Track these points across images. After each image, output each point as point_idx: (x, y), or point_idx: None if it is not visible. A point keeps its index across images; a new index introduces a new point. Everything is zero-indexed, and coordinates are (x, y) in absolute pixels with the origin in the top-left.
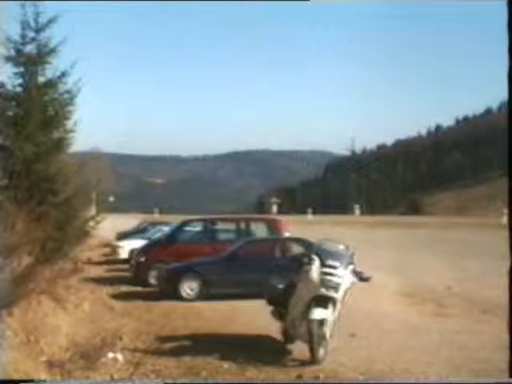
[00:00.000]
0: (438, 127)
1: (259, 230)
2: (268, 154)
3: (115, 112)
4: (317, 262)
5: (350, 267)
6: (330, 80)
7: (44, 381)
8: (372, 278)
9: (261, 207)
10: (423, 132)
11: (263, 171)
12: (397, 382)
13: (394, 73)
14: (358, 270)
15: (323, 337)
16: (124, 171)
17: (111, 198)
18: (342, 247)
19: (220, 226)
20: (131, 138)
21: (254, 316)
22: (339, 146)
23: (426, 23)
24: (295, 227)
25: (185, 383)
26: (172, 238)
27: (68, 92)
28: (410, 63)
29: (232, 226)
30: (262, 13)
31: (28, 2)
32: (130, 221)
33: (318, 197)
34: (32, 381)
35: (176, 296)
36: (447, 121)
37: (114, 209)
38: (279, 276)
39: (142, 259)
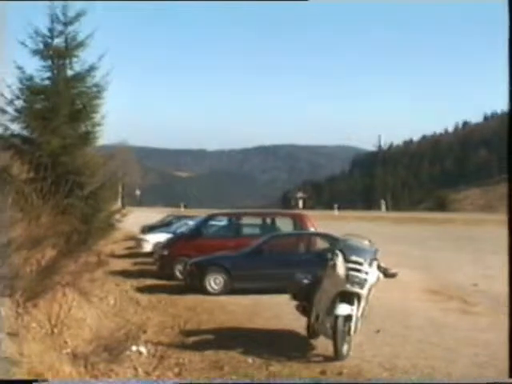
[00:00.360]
0: (465, 123)
1: (285, 225)
2: (294, 148)
3: (143, 106)
4: (341, 258)
5: (375, 263)
6: (354, 75)
7: (44, 380)
8: (397, 275)
9: (287, 202)
10: (450, 128)
11: (289, 166)
12: (397, 382)
13: (421, 68)
14: (384, 266)
15: (348, 333)
16: (150, 165)
17: (137, 192)
18: (366, 243)
19: (245, 220)
20: (158, 132)
21: (278, 311)
22: (365, 141)
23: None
24: (321, 222)
25: (185, 383)
26: (197, 231)
27: (96, 85)
28: (437, 58)
29: (257, 221)
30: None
31: None
32: (155, 214)
33: (344, 192)
34: (32, 381)
35: (201, 290)
36: (475, 117)
37: (139, 202)
38: (304, 271)
39: (165, 252)
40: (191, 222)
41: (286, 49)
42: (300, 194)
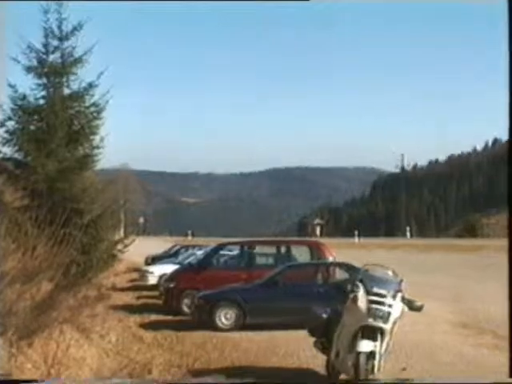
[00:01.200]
0: (495, 141)
1: (301, 254)
2: (309, 171)
3: (146, 127)
4: (363, 290)
5: (399, 295)
6: (375, 91)
7: (43, 381)
8: (424, 307)
9: (303, 229)
10: (479, 146)
11: (304, 190)
12: (397, 383)
13: (447, 82)
14: (408, 297)
15: (371, 371)
16: (155, 190)
17: (141, 219)
18: (390, 273)
19: (258, 249)
20: (162, 154)
21: (294, 348)
22: (387, 163)
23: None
24: (340, 251)
25: (184, 383)
26: (206, 262)
27: (95, 105)
28: (463, 70)
29: (271, 250)
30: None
31: (52, 6)
32: (160, 244)
33: (365, 218)
34: (33, 381)
35: (210, 325)
36: (506, 134)
37: (143, 231)
38: (322, 304)
39: (172, 285)
40: (199, 252)
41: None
42: (317, 221)
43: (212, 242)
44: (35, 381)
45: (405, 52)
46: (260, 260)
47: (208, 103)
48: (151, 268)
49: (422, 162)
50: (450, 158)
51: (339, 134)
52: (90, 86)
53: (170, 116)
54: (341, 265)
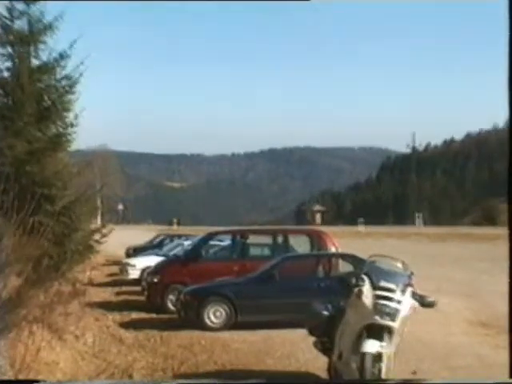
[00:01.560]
0: None
1: (300, 245)
2: (310, 151)
3: (126, 103)
4: (368, 284)
5: (409, 290)
6: (383, 62)
7: (44, 381)
8: (437, 303)
9: (301, 216)
10: (500, 123)
11: (304, 173)
12: (396, 383)
13: (463, 55)
14: (420, 292)
15: (378, 374)
16: (136, 173)
17: (120, 206)
18: (399, 265)
19: (252, 239)
20: (145, 133)
21: (292, 349)
22: (396, 142)
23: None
24: (343, 240)
25: (185, 383)
26: (194, 254)
27: (67, 78)
28: (480, 43)
29: (267, 240)
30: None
31: None
32: (143, 233)
33: (371, 203)
34: (33, 381)
35: (198, 324)
36: None
37: (123, 219)
38: (324, 300)
39: (156, 279)
40: (187, 243)
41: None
42: (317, 207)
43: (200, 231)
44: (35, 381)
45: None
46: (254, 251)
47: (197, 74)
48: (132, 260)
49: (436, 140)
50: (468, 137)
51: (342, 109)
52: (62, 56)
53: (153, 90)
54: (344, 256)
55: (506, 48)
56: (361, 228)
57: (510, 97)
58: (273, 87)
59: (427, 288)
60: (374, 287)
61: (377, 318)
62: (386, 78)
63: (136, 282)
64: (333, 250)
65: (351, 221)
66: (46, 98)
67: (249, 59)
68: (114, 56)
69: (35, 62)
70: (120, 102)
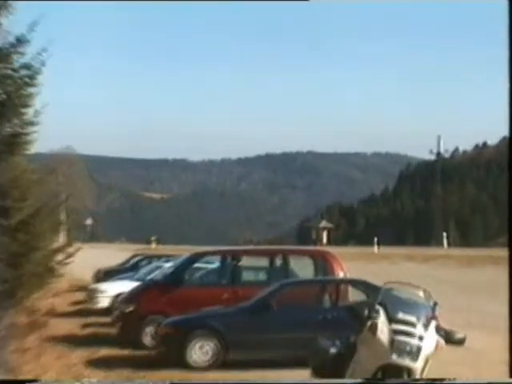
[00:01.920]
0: None
1: (302, 268)
2: (314, 157)
3: (98, 99)
4: (384, 316)
5: (433, 323)
6: (398, 58)
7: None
8: (467, 340)
9: (305, 235)
10: None
11: (308, 182)
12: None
13: (496, 50)
14: (446, 327)
15: None
16: (109, 182)
17: (89, 221)
18: (421, 294)
19: (246, 261)
20: (120, 135)
21: None
22: (418, 147)
23: None
24: (354, 264)
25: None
26: (176, 278)
27: (26, 67)
28: None
29: (263, 263)
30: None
31: None
32: (115, 253)
33: (388, 220)
34: (33, 381)
35: (181, 362)
36: None
37: (92, 236)
38: (330, 335)
39: (130, 308)
40: (167, 265)
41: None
42: (324, 224)
43: (184, 251)
44: (35, 381)
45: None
46: (248, 275)
47: (181, 70)
48: (102, 286)
49: (466, 145)
50: (504, 141)
51: (351, 109)
52: (20, 41)
53: (131, 86)
54: (355, 282)
55: (506, 47)
56: (375, 249)
57: (510, 102)
58: (271, 84)
59: (455, 321)
60: (391, 320)
61: (394, 357)
62: (401, 75)
63: (107, 311)
64: (341, 275)
65: (364, 240)
66: (0, 90)
67: (246, 56)
68: (84, 44)
69: None
70: (90, 98)
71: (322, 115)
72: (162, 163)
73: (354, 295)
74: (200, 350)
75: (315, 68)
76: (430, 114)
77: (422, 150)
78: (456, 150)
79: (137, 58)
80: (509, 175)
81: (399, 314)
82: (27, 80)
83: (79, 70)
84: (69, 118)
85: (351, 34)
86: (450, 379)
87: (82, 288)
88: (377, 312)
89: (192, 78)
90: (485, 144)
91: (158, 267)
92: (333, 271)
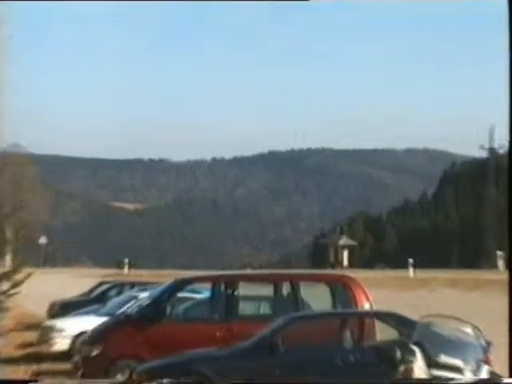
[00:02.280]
0: None
1: (316, 298)
2: (331, 156)
3: (55, 87)
4: (421, 358)
5: (485, 368)
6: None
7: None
8: None
9: (320, 255)
10: None
11: (323, 187)
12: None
13: None
14: (501, 373)
15: None
16: (68, 188)
17: (43, 239)
18: (469, 331)
19: (244, 290)
20: (81, 130)
21: None
22: (465, 142)
23: None
24: (384, 292)
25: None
26: (154, 312)
27: None
28: None
29: (266, 291)
30: None
31: None
32: (76, 280)
33: (427, 235)
34: (33, 381)
35: None
36: None
37: (46, 258)
38: (353, 381)
39: (97, 352)
40: (144, 295)
41: None
42: (344, 241)
43: (164, 276)
44: (35, 381)
45: None
46: (246, 308)
47: (163, 56)
48: (60, 323)
49: None
50: None
51: (378, 97)
52: None
53: (96, 71)
54: (384, 316)
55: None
56: (410, 273)
57: (510, 104)
58: (274, 68)
59: None
60: (431, 364)
61: None
62: (439, 59)
63: (65, 355)
64: (366, 306)
65: (395, 261)
66: None
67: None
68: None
69: None
70: (46, 84)
71: (340, 104)
72: (136, 164)
73: (383, 332)
74: None
75: (330, 49)
76: (479, 101)
77: (470, 146)
78: None
79: (107, 42)
80: (508, 177)
81: (441, 356)
82: None
83: (37, 57)
84: (16, 108)
85: (371, 20)
86: (450, 380)
87: (34, 326)
88: (412, 354)
89: (175, 61)
90: None
91: (132, 298)
92: (355, 302)
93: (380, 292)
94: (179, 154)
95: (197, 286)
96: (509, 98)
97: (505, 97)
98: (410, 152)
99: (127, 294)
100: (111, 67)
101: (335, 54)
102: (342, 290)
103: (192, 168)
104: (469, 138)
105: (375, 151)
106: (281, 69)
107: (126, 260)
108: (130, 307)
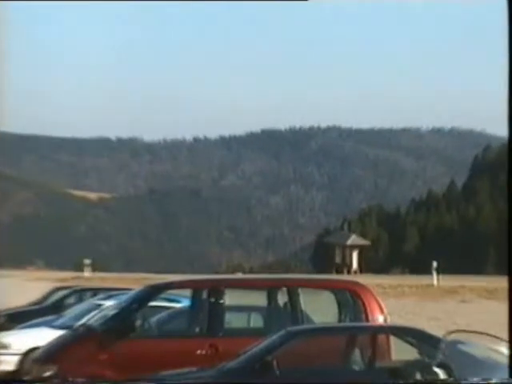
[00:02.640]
0: None
1: (319, 309)
2: (340, 136)
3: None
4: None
5: None
6: None
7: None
8: None
9: (324, 256)
10: None
11: (330, 174)
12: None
13: None
14: None
15: None
16: (18, 174)
17: None
18: (503, 350)
19: (231, 298)
20: (37, 103)
21: None
22: (502, 121)
23: None
24: (402, 302)
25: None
26: (122, 324)
27: None
28: None
29: (258, 300)
30: None
31: None
32: (27, 284)
33: (455, 233)
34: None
35: None
36: None
37: None
38: None
39: (51, 372)
40: (109, 304)
41: None
42: (354, 239)
43: (134, 281)
44: (34, 380)
45: None
46: (234, 320)
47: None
48: (5, 337)
49: None
50: None
51: (399, 65)
52: None
53: (57, 41)
54: (401, 331)
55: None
56: (434, 279)
57: (509, 104)
58: (270, 26)
59: None
60: None
61: None
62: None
63: (12, 375)
64: (380, 319)
65: (417, 265)
66: None
67: None
68: None
69: None
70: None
71: (350, 75)
72: (99, 144)
73: (400, 351)
74: None
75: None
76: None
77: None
78: None
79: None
80: (508, 178)
81: (470, 379)
82: None
83: None
84: None
85: None
86: (450, 380)
87: None
88: (435, 376)
89: (147, 28)
90: None
91: (94, 307)
92: (367, 314)
93: (397, 302)
94: (154, 132)
95: (174, 293)
96: (508, 98)
97: None
98: (435, 132)
99: (89, 302)
100: (78, 35)
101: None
102: (350, 300)
103: (170, 150)
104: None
105: (393, 131)
106: (278, 27)
107: (88, 261)
108: (91, 318)
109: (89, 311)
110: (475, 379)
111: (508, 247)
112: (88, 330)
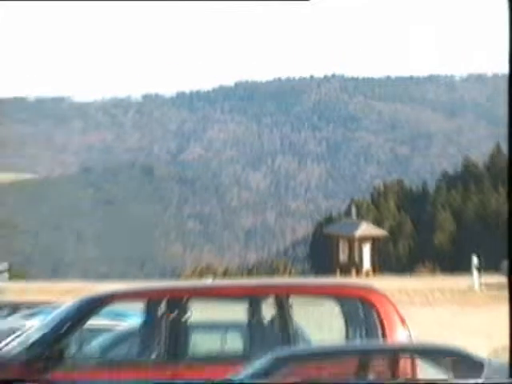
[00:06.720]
0: None
1: (319, 324)
2: (346, 85)
3: None
4: None
5: None
6: None
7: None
8: None
9: (324, 251)
10: None
11: (329, 139)
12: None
13: None
14: None
15: None
16: None
17: None
18: None
19: (200, 311)
20: None
21: None
22: None
23: None
24: (429, 311)
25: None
26: (52, 349)
27: None
28: None
29: (236, 313)
30: None
31: None
32: None
33: (501, 217)
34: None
35: None
36: None
37: None
38: None
39: None
40: (33, 323)
41: None
42: (365, 228)
43: (65, 291)
44: (34, 380)
45: None
46: (203, 340)
47: None
48: None
49: None
50: None
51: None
52: None
53: None
54: (430, 351)
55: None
56: (475, 280)
57: (509, 105)
58: None
59: None
60: None
61: None
62: None
63: None
64: (401, 335)
65: (451, 262)
66: None
67: None
68: None
69: None
70: None
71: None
72: (19, 104)
73: (430, 376)
74: None
75: None
76: None
77: None
78: None
79: None
80: (508, 179)
81: (470, 379)
82: None
83: None
84: None
85: None
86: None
87: None
88: None
89: None
90: None
91: (14, 328)
92: (384, 328)
93: (425, 312)
94: (87, 90)
95: (120, 307)
96: (508, 98)
97: None
98: (471, 81)
99: (7, 321)
100: None
101: None
102: (361, 311)
103: (109, 112)
104: None
105: (412, 80)
106: None
107: (2, 267)
108: (10, 343)
109: (6, 334)
110: (475, 379)
111: (508, 247)
112: (7, 358)
